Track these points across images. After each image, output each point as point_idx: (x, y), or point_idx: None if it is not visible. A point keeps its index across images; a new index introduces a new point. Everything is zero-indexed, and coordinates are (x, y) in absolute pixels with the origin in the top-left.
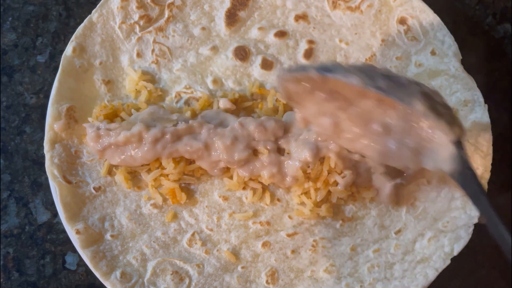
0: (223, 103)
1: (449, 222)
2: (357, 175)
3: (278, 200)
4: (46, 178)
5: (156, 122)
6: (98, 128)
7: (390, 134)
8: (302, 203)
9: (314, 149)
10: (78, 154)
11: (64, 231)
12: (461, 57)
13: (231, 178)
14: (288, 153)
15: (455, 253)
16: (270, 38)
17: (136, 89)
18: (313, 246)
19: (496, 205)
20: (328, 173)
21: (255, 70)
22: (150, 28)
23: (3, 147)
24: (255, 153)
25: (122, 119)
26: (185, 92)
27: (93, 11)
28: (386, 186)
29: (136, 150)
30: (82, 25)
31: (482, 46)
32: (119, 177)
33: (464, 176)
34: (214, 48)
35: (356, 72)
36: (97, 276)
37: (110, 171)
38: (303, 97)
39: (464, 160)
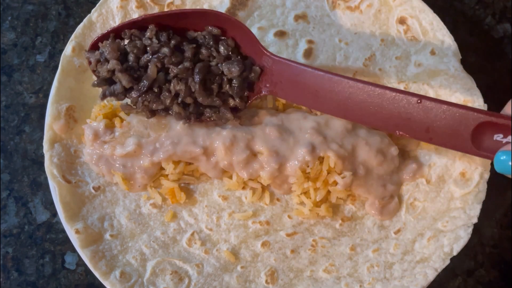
0: None
1: (448, 221)
2: (356, 177)
3: (278, 199)
4: (46, 178)
5: (149, 130)
6: (95, 138)
7: None
8: (302, 203)
9: (309, 146)
10: (78, 153)
11: (63, 231)
12: (460, 57)
13: (230, 177)
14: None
15: (455, 253)
16: (270, 37)
17: None
18: (312, 245)
19: (495, 205)
20: (328, 173)
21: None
22: None
23: (3, 146)
24: (254, 154)
25: (121, 120)
26: None
27: (92, 11)
28: (375, 200)
29: (134, 175)
30: (81, 24)
31: (481, 46)
32: (118, 179)
33: None
34: None
35: None
36: (97, 275)
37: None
38: None
39: None
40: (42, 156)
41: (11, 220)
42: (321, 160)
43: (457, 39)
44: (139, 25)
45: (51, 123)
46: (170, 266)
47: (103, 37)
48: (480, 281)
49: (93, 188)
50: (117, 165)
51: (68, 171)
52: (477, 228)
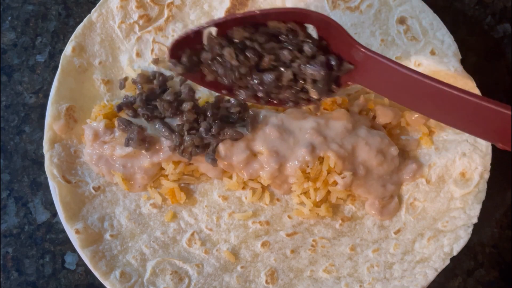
0: None
1: (448, 221)
2: (356, 177)
3: (278, 199)
4: (46, 178)
5: (150, 131)
6: (95, 138)
7: None
8: (302, 203)
9: (309, 146)
10: (78, 153)
11: (63, 231)
12: (460, 57)
13: (230, 177)
14: None
15: (455, 253)
16: None
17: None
18: (312, 246)
19: (495, 205)
20: (328, 173)
21: None
22: (150, 28)
23: (3, 146)
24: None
25: None
26: None
27: (92, 11)
28: (375, 200)
29: (134, 176)
30: (81, 24)
31: (481, 46)
32: (118, 179)
33: None
34: None
35: None
36: (97, 275)
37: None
38: None
39: None
40: (42, 156)
41: (11, 220)
42: (321, 160)
43: (457, 39)
44: (220, 27)
45: (51, 123)
46: (170, 266)
47: (184, 39)
48: (480, 281)
49: (93, 188)
50: (117, 165)
51: (68, 171)
52: (477, 228)
